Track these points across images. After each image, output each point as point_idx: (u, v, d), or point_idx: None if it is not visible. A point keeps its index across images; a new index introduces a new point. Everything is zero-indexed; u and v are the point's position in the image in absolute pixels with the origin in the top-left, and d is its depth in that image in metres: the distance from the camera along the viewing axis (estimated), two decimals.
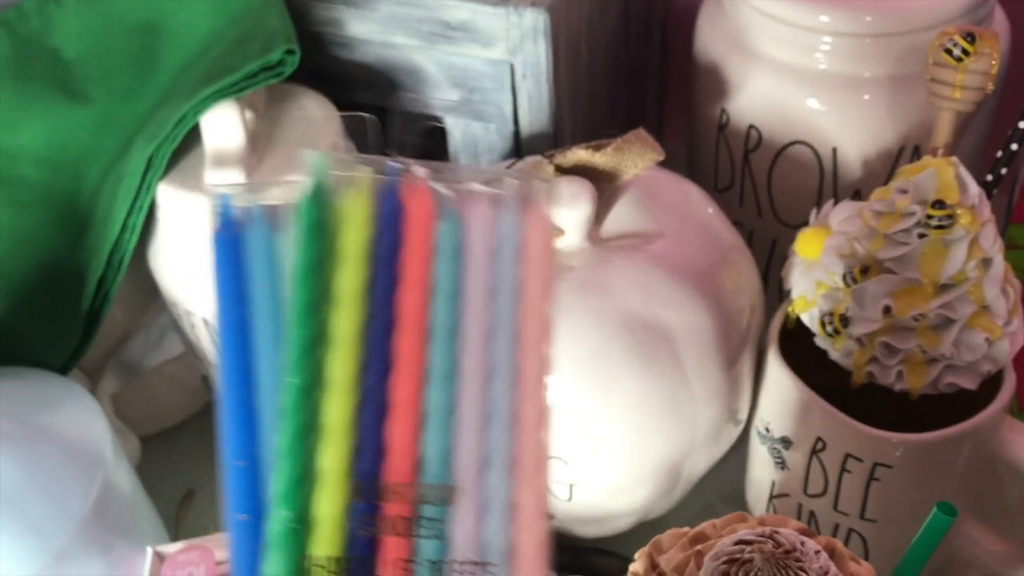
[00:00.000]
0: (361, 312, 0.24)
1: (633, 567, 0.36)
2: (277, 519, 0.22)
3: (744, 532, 0.33)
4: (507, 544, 0.22)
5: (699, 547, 0.35)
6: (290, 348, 0.23)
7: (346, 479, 0.22)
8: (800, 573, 0.31)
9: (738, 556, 0.32)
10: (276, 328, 0.24)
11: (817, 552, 0.32)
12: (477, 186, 0.25)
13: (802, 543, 0.32)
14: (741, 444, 0.52)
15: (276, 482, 0.23)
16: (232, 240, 0.25)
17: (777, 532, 0.33)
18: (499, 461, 0.23)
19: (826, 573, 0.32)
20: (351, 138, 0.51)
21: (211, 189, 0.26)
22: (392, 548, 0.22)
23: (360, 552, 0.22)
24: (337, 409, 0.23)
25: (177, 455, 0.59)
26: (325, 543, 0.22)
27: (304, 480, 0.22)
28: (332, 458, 0.22)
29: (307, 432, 0.23)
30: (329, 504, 0.22)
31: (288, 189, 0.25)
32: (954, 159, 0.42)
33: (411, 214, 0.25)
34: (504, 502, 0.23)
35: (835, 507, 0.46)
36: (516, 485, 0.23)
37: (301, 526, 0.22)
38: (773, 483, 0.48)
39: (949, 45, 0.42)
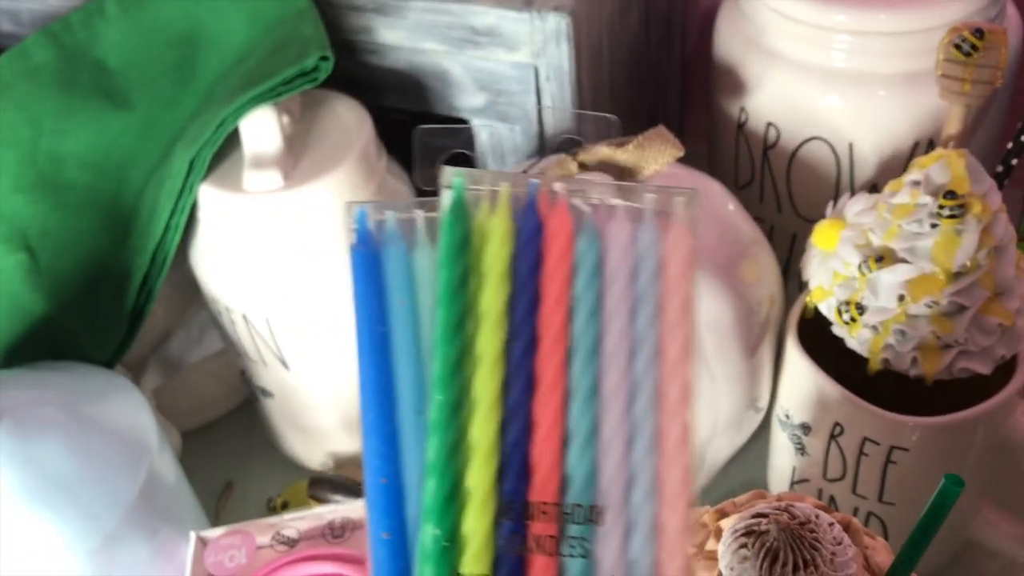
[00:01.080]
0: (504, 330, 0.24)
1: None
2: (427, 536, 0.22)
3: (761, 506, 0.35)
4: (652, 565, 0.22)
5: (719, 522, 0.36)
6: (437, 365, 0.23)
7: (493, 497, 0.22)
8: (815, 544, 0.33)
9: (755, 528, 0.34)
10: (415, 345, 0.24)
11: (831, 524, 0.34)
12: (616, 201, 0.25)
13: (816, 516, 0.34)
14: (763, 433, 0.53)
15: (425, 498, 0.22)
16: (370, 256, 0.25)
17: (792, 506, 0.34)
18: (643, 481, 0.23)
19: (839, 543, 0.33)
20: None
21: (348, 206, 0.25)
22: (540, 567, 0.22)
23: (508, 571, 0.22)
24: (483, 427, 0.23)
25: (216, 448, 0.61)
26: (475, 561, 0.22)
27: (453, 497, 0.22)
28: (480, 476, 0.22)
29: (455, 449, 0.23)
30: (478, 522, 0.22)
31: (423, 205, 0.25)
32: (965, 151, 0.43)
33: (551, 230, 0.24)
34: (649, 523, 0.22)
35: (854, 490, 0.47)
36: (661, 506, 0.23)
37: (451, 544, 0.22)
38: (794, 469, 0.50)
39: (958, 41, 0.43)
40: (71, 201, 0.52)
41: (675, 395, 0.23)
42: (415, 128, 0.25)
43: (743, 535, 0.34)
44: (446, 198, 0.25)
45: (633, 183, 0.25)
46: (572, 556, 0.22)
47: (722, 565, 0.34)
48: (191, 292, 0.56)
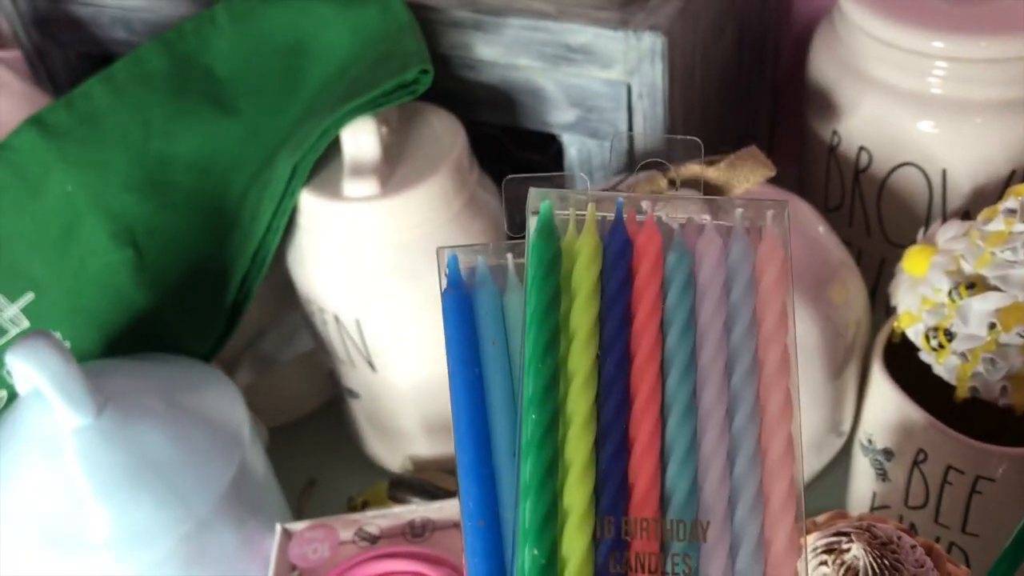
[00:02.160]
0: (595, 347, 0.23)
1: None
2: (526, 558, 0.22)
3: (843, 525, 0.35)
4: None
5: (800, 539, 0.36)
6: (530, 384, 0.23)
7: (591, 515, 0.22)
8: (896, 565, 0.33)
9: (836, 547, 0.34)
10: (509, 387, 0.24)
11: (913, 547, 0.34)
12: (704, 216, 0.25)
13: (899, 537, 0.34)
14: (843, 458, 0.53)
15: (522, 520, 0.22)
16: (462, 299, 0.25)
17: (874, 525, 0.34)
18: (747, 497, 0.22)
19: (922, 566, 0.33)
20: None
21: (439, 251, 0.26)
22: None
23: None
24: (578, 444, 0.22)
25: (301, 446, 0.63)
26: None
27: (551, 517, 0.22)
28: (577, 494, 0.22)
29: (551, 469, 0.22)
30: (577, 541, 0.22)
31: (513, 249, 0.25)
32: None
33: (640, 247, 0.24)
34: (755, 539, 0.22)
35: (936, 519, 0.47)
36: (766, 521, 0.22)
37: (550, 563, 0.22)
38: (874, 495, 0.49)
39: None
40: (177, 201, 0.54)
41: (776, 407, 0.23)
42: (505, 179, 0.25)
43: (824, 552, 0.34)
44: (533, 221, 0.25)
45: (721, 197, 0.25)
46: (676, 574, 0.22)
47: None
48: (285, 293, 0.58)
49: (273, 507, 0.51)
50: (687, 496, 0.22)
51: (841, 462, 0.53)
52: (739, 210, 0.25)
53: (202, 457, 0.46)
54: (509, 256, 0.26)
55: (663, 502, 0.23)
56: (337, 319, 0.53)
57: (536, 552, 0.22)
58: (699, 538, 0.22)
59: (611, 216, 0.25)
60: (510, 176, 0.26)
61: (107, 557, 0.43)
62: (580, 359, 0.24)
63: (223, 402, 0.49)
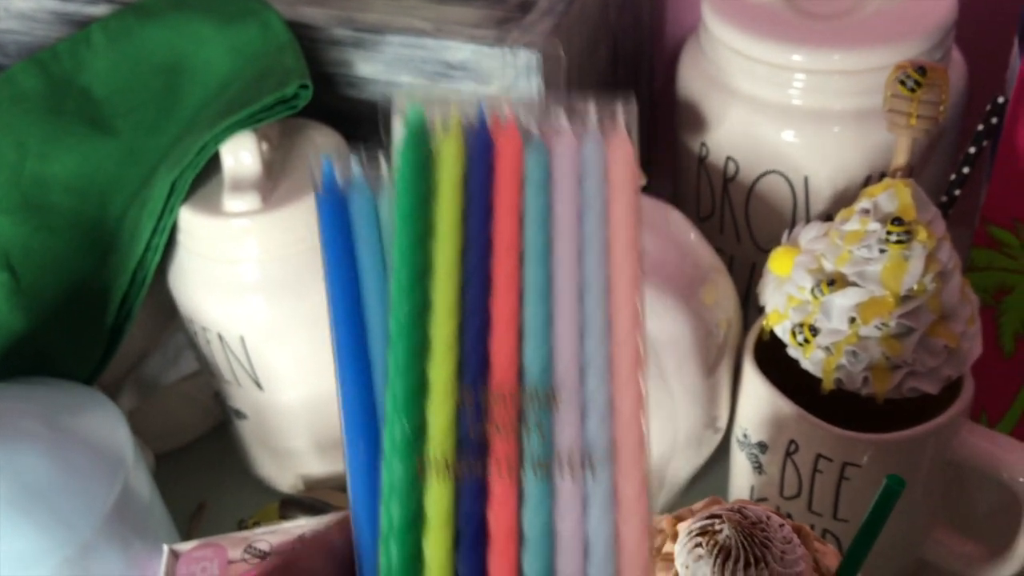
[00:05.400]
0: (460, 241, 0.25)
1: None
2: (395, 428, 0.24)
3: (716, 509, 0.36)
4: (608, 443, 0.24)
5: (677, 526, 0.38)
6: (401, 275, 0.25)
7: (455, 388, 0.24)
8: (765, 542, 0.34)
9: (709, 528, 0.35)
10: (382, 282, 0.26)
11: (781, 525, 0.35)
12: (561, 118, 0.26)
13: (767, 517, 0.36)
14: (723, 456, 0.55)
15: (392, 396, 0.24)
16: (336, 203, 0.27)
17: (744, 507, 0.36)
18: (596, 367, 0.24)
19: (789, 542, 0.35)
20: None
21: (314, 155, 0.28)
22: (500, 449, 0.24)
23: (471, 452, 0.24)
24: (443, 327, 0.24)
25: (190, 471, 0.62)
26: (440, 446, 0.24)
27: (419, 392, 0.24)
28: (442, 371, 0.24)
29: (420, 350, 0.24)
30: (442, 411, 0.24)
31: (388, 157, 0.27)
32: (911, 180, 0.46)
33: (500, 148, 0.26)
34: (603, 405, 0.24)
35: (809, 508, 0.49)
36: (614, 389, 0.24)
37: (419, 432, 0.24)
38: (752, 488, 0.51)
39: (903, 77, 0.46)
40: (54, 223, 0.53)
41: (623, 287, 0.25)
42: (393, 93, 0.26)
43: (698, 535, 0.36)
44: (401, 125, 0.26)
45: (579, 101, 0.27)
46: (531, 438, 0.24)
47: (678, 564, 0.36)
48: (167, 315, 0.57)
49: (160, 530, 0.51)
50: (542, 369, 0.25)
51: (720, 461, 0.55)
52: (592, 111, 0.27)
53: (84, 479, 0.46)
54: (383, 161, 0.27)
55: (520, 375, 0.25)
56: (221, 338, 0.53)
57: (406, 423, 0.24)
58: (552, 406, 0.24)
59: (475, 119, 0.27)
60: (397, 91, 0.27)
61: None
62: (445, 251, 0.25)
63: (104, 423, 0.48)
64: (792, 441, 0.47)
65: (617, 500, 0.24)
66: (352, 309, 0.26)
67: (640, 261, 0.25)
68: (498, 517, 0.24)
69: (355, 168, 0.27)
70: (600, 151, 0.26)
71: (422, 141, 0.26)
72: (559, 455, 0.24)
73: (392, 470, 0.24)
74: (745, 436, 0.50)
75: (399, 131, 0.26)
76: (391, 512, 0.24)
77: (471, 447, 0.24)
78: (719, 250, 0.56)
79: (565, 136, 0.27)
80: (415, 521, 0.24)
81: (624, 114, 0.27)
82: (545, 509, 0.24)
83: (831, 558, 0.38)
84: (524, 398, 0.24)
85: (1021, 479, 0.46)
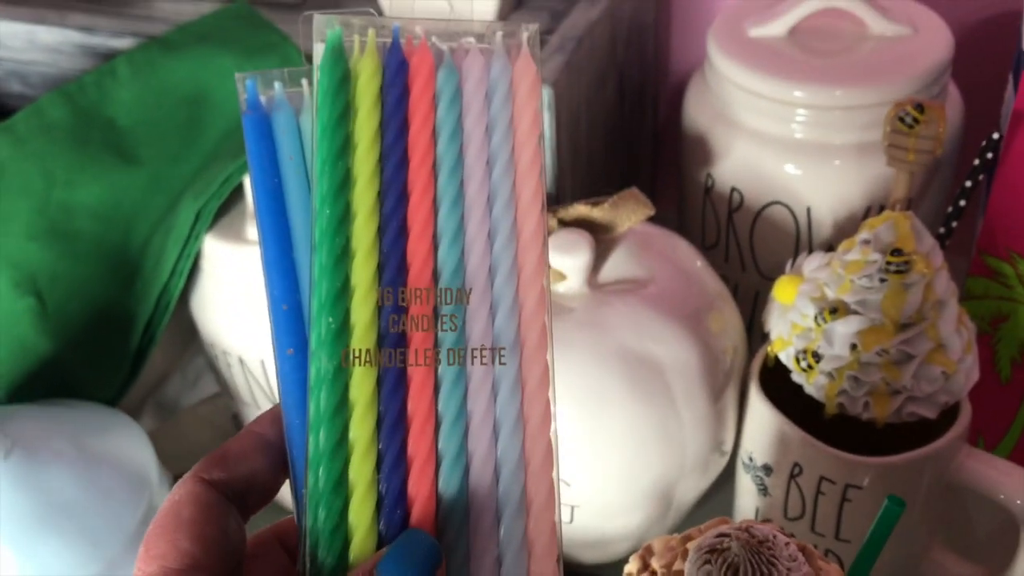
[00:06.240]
0: (377, 152, 0.28)
1: (627, 568, 0.41)
2: (321, 325, 0.26)
3: (724, 528, 0.38)
4: (514, 335, 0.27)
5: (686, 545, 0.39)
6: (324, 184, 0.27)
7: (376, 288, 0.27)
8: (772, 560, 0.36)
9: (717, 547, 0.37)
10: (306, 195, 0.28)
11: (787, 544, 0.37)
12: (470, 39, 0.29)
13: (774, 536, 0.37)
14: (729, 479, 0.56)
15: (318, 297, 0.26)
16: (260, 120, 0.29)
17: (752, 526, 0.37)
18: (503, 268, 0.27)
19: (794, 560, 0.36)
20: None
21: (239, 78, 0.29)
22: (418, 340, 0.26)
23: (392, 344, 0.26)
24: (363, 232, 0.27)
25: None
26: (362, 339, 0.26)
27: (342, 292, 0.26)
28: (363, 271, 0.26)
29: (342, 254, 0.27)
30: (364, 307, 0.26)
31: (309, 76, 0.29)
32: (910, 213, 0.47)
33: (414, 67, 0.28)
34: (510, 301, 0.27)
35: (812, 528, 0.50)
36: (520, 286, 0.27)
37: (342, 328, 0.26)
38: (757, 510, 0.53)
39: (902, 114, 0.48)
40: (80, 250, 0.55)
41: (528, 195, 0.28)
42: (304, 15, 0.28)
43: (707, 552, 0.37)
44: (320, 48, 0.28)
45: (485, 22, 0.29)
46: (445, 330, 0.27)
47: None
48: (187, 339, 0.59)
49: None
50: (454, 269, 0.27)
51: (726, 485, 0.56)
52: (499, 34, 0.29)
53: (110, 498, 0.47)
54: (304, 81, 0.29)
55: (435, 275, 0.27)
56: (242, 361, 0.54)
57: (331, 319, 0.26)
58: (464, 301, 0.27)
59: (389, 39, 0.29)
60: (308, 13, 0.28)
61: None
62: (364, 162, 0.27)
63: (130, 444, 0.50)
64: (796, 464, 0.49)
65: (522, 385, 0.27)
66: (278, 220, 0.28)
67: (542, 174, 0.28)
68: (416, 401, 0.26)
69: (278, 88, 0.29)
70: (506, 70, 0.28)
71: (340, 61, 0.28)
72: (470, 345, 0.27)
73: (319, 363, 0.26)
74: (751, 459, 0.52)
75: (319, 52, 0.28)
76: (319, 400, 0.26)
77: (392, 340, 0.26)
78: (724, 278, 0.57)
79: (474, 56, 0.29)
80: (340, 407, 0.26)
81: (528, 37, 0.29)
82: (459, 393, 0.27)
83: (834, 575, 0.39)
84: (439, 295, 0.27)
85: (1019, 501, 0.47)
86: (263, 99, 0.29)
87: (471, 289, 0.27)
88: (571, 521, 0.51)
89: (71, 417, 0.50)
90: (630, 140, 0.70)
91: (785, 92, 0.56)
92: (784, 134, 0.57)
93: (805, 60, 0.57)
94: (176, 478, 0.61)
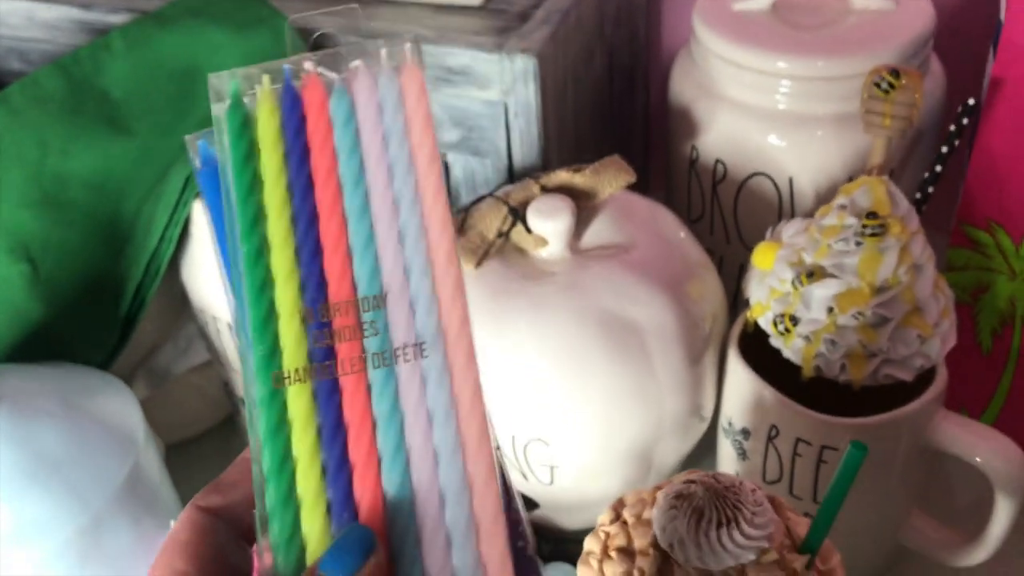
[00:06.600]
0: (285, 183, 0.29)
1: (600, 518, 0.41)
2: (256, 352, 0.27)
3: (692, 476, 0.38)
4: (436, 327, 0.28)
5: (656, 494, 0.40)
6: (241, 223, 0.28)
7: (299, 307, 0.28)
8: (737, 504, 0.37)
9: (684, 492, 0.37)
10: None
11: (753, 491, 0.38)
12: (357, 62, 0.30)
13: (740, 482, 0.38)
14: (711, 450, 0.57)
15: (248, 327, 0.28)
16: (213, 174, 0.30)
17: (719, 473, 0.38)
18: (417, 266, 0.28)
19: (760, 505, 0.37)
20: None
21: (190, 142, 0.31)
22: (344, 351, 0.28)
23: (320, 359, 0.27)
24: (281, 257, 0.28)
25: (198, 463, 0.64)
26: (292, 359, 0.27)
27: (268, 319, 0.28)
28: (285, 297, 0.28)
29: (264, 283, 0.28)
30: (289, 331, 0.28)
31: None
32: (886, 178, 0.48)
33: (308, 99, 0.30)
34: (427, 296, 0.28)
35: (791, 492, 0.51)
36: (434, 282, 0.28)
37: (271, 352, 0.27)
38: (737, 474, 0.53)
39: (878, 80, 0.49)
40: (72, 218, 0.56)
41: (431, 192, 0.29)
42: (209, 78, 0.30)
43: (674, 498, 0.38)
44: (221, 107, 0.30)
45: (372, 41, 0.30)
46: (368, 336, 0.28)
47: (656, 527, 0.38)
48: (178, 307, 0.60)
49: (170, 510, 0.53)
50: (370, 277, 0.28)
51: (709, 452, 0.57)
52: (383, 51, 0.30)
53: (97, 454, 0.48)
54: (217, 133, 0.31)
55: (353, 286, 0.28)
56: (231, 326, 0.55)
57: (260, 347, 0.27)
58: (383, 306, 0.28)
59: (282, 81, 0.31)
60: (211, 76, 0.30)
61: (4, 547, 0.45)
62: (273, 194, 0.29)
63: (117, 404, 0.51)
64: (773, 426, 0.49)
65: (450, 371, 0.28)
66: (229, 258, 0.30)
67: (441, 173, 0.29)
68: (351, 408, 0.27)
69: (205, 143, 0.31)
70: (393, 82, 0.30)
71: (240, 108, 0.29)
72: (394, 345, 0.28)
73: (256, 389, 0.27)
74: (730, 424, 0.52)
75: (221, 107, 0.30)
76: (261, 424, 0.27)
77: (320, 354, 0.28)
78: (710, 251, 0.58)
79: (362, 75, 0.30)
80: (280, 426, 0.27)
81: (410, 47, 0.30)
82: (389, 393, 0.28)
83: (803, 527, 0.40)
84: (359, 305, 0.28)
85: (994, 463, 0.48)
86: (213, 152, 0.31)
87: (389, 293, 0.28)
88: (551, 482, 0.51)
89: (60, 376, 0.51)
90: (621, 119, 0.71)
91: (768, 63, 0.56)
92: (767, 105, 0.57)
93: (788, 33, 0.58)
94: (168, 448, 0.62)
